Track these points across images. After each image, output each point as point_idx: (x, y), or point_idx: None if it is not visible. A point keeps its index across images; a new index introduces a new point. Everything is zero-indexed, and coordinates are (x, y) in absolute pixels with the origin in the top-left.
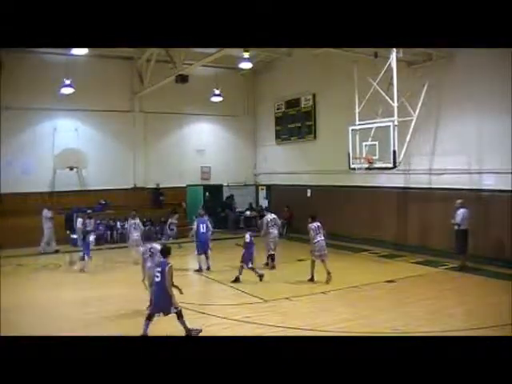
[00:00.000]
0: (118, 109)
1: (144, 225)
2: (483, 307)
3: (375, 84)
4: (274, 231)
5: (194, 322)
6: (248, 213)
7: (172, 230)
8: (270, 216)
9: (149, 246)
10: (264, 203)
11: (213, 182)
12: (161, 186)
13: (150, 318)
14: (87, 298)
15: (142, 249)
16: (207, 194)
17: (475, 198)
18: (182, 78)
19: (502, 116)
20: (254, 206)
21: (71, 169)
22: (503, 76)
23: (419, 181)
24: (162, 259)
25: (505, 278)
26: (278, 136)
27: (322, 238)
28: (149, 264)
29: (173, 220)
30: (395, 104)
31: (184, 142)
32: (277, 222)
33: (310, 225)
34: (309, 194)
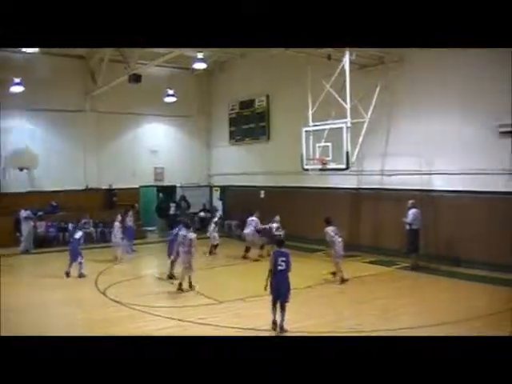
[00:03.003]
0: (70, 108)
1: (96, 226)
2: (435, 305)
3: (328, 86)
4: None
5: (149, 324)
6: (202, 214)
7: (131, 228)
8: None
9: (184, 233)
10: (218, 204)
11: (166, 182)
12: (114, 186)
13: (274, 304)
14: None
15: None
16: (160, 194)
17: (426, 199)
18: (135, 78)
19: (452, 118)
20: (207, 207)
21: (21, 169)
22: (454, 78)
23: (372, 181)
24: (281, 250)
25: (454, 276)
26: (231, 137)
27: (341, 238)
28: (181, 249)
29: (129, 217)
30: (348, 106)
31: (137, 143)
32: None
33: (326, 229)
34: (262, 195)
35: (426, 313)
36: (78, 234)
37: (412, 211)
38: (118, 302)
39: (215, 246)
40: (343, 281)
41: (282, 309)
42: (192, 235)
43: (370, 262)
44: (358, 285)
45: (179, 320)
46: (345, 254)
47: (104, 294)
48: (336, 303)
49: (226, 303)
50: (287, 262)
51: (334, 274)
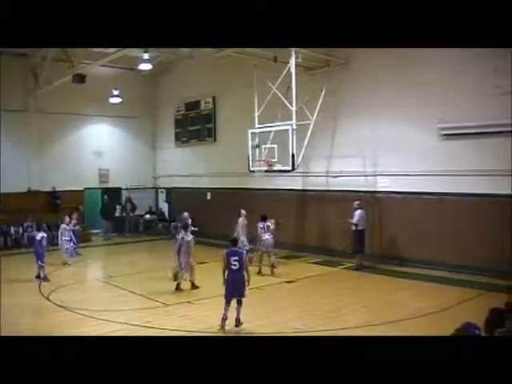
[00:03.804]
0: (11, 108)
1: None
2: (380, 304)
3: (274, 88)
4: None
5: (95, 329)
6: (147, 216)
7: (75, 232)
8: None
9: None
10: (164, 206)
11: (111, 184)
12: (57, 189)
13: (228, 302)
14: None
15: (179, 236)
16: (105, 197)
17: (371, 200)
18: (80, 78)
19: (396, 120)
20: (153, 209)
21: None
22: (398, 81)
23: (317, 183)
24: (233, 249)
25: (399, 275)
26: (177, 138)
27: (270, 236)
28: (182, 250)
29: (74, 220)
30: (294, 108)
31: (82, 144)
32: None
33: (258, 223)
34: (209, 197)
35: (370, 312)
36: (39, 235)
37: (358, 212)
38: (62, 306)
39: None
40: (260, 273)
41: (239, 303)
42: (190, 237)
43: (316, 263)
44: (304, 285)
45: (124, 323)
46: (271, 252)
47: (48, 298)
48: (282, 304)
49: (173, 306)
50: (241, 262)
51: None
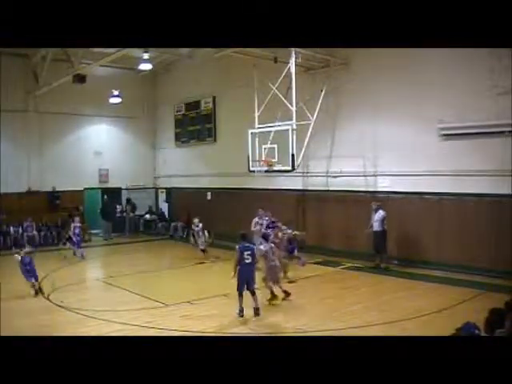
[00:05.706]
0: (10, 108)
1: (39, 230)
2: (380, 304)
3: (274, 88)
4: None
5: (94, 329)
6: (147, 216)
7: (78, 235)
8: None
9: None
10: (164, 206)
11: (111, 184)
12: (57, 189)
13: (241, 294)
14: None
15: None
16: (105, 197)
17: (371, 200)
18: (80, 78)
19: (396, 119)
20: (153, 209)
21: None
22: (398, 81)
23: (317, 183)
24: (246, 244)
25: (399, 275)
26: (177, 138)
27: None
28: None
29: (76, 224)
30: (294, 108)
31: (81, 144)
32: None
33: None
34: (209, 197)
35: (370, 312)
36: (19, 256)
37: (379, 212)
38: (62, 306)
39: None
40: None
41: (253, 294)
42: (267, 246)
43: (317, 263)
44: (304, 285)
45: (124, 323)
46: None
47: (48, 298)
48: (282, 304)
49: (173, 306)
50: (253, 256)
51: None
